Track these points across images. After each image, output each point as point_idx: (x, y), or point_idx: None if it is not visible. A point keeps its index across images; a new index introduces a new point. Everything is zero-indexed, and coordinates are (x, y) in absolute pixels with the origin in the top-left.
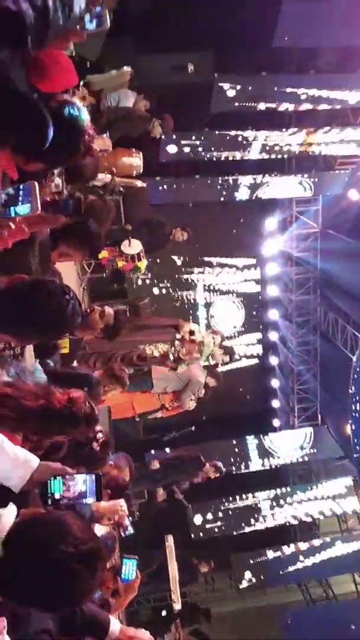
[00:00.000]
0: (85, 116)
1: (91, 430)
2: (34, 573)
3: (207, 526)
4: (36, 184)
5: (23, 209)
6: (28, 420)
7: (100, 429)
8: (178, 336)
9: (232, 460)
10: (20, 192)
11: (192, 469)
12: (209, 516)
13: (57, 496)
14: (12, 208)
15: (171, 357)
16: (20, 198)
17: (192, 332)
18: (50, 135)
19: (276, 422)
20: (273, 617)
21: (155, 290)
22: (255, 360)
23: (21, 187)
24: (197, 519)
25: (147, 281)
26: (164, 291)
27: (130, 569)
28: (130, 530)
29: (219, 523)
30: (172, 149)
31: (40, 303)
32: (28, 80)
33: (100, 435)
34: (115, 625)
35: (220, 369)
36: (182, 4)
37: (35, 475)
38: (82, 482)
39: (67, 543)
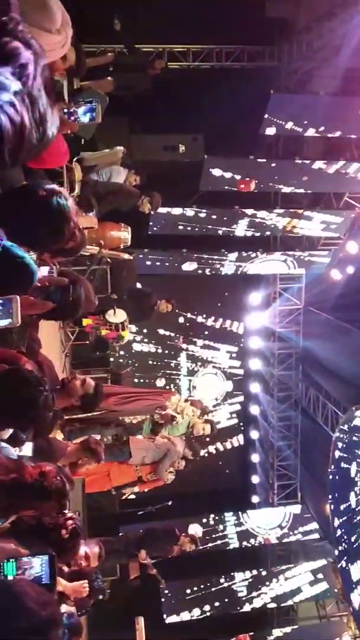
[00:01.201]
0: (71, 205)
1: (62, 508)
2: None
3: (181, 607)
4: (18, 298)
5: (3, 322)
6: None
7: (71, 515)
8: (157, 417)
9: (209, 537)
10: (1, 307)
11: (166, 543)
12: (184, 597)
13: (10, 578)
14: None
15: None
16: (7, 309)
17: (173, 418)
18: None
19: (255, 499)
20: None
21: (139, 358)
22: (236, 438)
23: (2, 300)
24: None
25: (132, 349)
26: (148, 359)
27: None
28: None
29: (193, 604)
30: (161, 225)
31: (14, 392)
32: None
33: (70, 522)
34: None
35: (200, 442)
36: (177, 90)
37: None
38: (38, 565)
39: (19, 619)
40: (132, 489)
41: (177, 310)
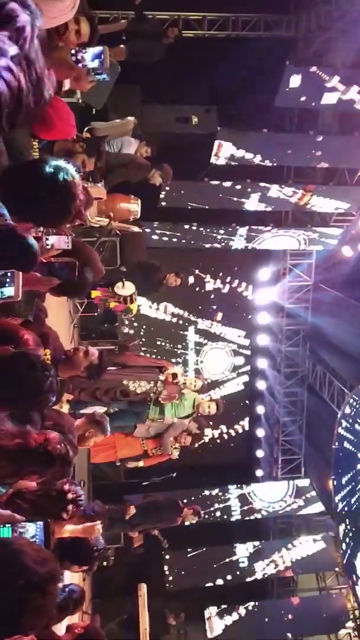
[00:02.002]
0: (78, 181)
1: (65, 476)
2: None
3: (183, 576)
4: (20, 273)
5: (8, 291)
6: (3, 459)
7: (77, 490)
8: (161, 377)
9: (212, 509)
10: (7, 277)
11: (170, 514)
12: (186, 566)
13: None
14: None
15: (152, 396)
16: (7, 281)
17: (174, 375)
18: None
19: (259, 472)
20: None
21: (146, 331)
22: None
23: (8, 273)
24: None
25: (140, 321)
26: (155, 332)
27: None
28: (103, 544)
29: (194, 574)
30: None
31: (19, 374)
32: (30, 127)
33: (71, 499)
34: None
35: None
36: (191, 60)
37: None
38: (34, 530)
39: (17, 576)
40: (136, 462)
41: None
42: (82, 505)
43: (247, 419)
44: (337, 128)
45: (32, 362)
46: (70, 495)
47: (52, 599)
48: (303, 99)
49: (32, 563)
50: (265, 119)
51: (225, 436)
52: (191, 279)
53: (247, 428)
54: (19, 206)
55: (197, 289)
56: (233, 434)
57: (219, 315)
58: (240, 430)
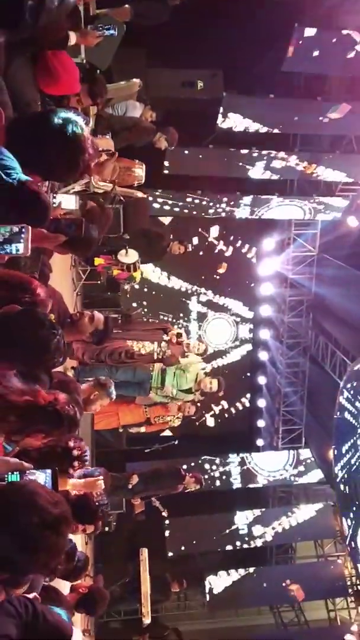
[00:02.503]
0: (87, 134)
1: (73, 432)
2: (1, 542)
3: (183, 542)
4: (30, 228)
5: (18, 247)
6: (12, 414)
7: (82, 446)
8: (166, 338)
9: (213, 477)
10: (19, 233)
11: (171, 482)
12: (186, 532)
13: None
14: (8, 245)
15: (155, 357)
16: (18, 237)
17: (179, 335)
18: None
19: (260, 442)
20: (243, 638)
21: (148, 300)
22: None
23: (20, 228)
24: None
25: (143, 290)
26: (157, 301)
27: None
28: (104, 503)
29: (194, 539)
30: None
31: (27, 332)
32: (35, 81)
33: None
34: (78, 637)
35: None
36: (198, 23)
37: None
38: (42, 479)
39: (32, 514)
40: (138, 428)
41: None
42: (87, 461)
43: (248, 389)
44: (344, 94)
45: (41, 320)
46: (75, 452)
47: (64, 540)
48: (311, 62)
49: (46, 503)
50: (271, 84)
51: (226, 405)
52: (195, 240)
53: (248, 397)
54: (27, 158)
55: (201, 252)
56: (235, 404)
57: (224, 266)
58: (242, 401)
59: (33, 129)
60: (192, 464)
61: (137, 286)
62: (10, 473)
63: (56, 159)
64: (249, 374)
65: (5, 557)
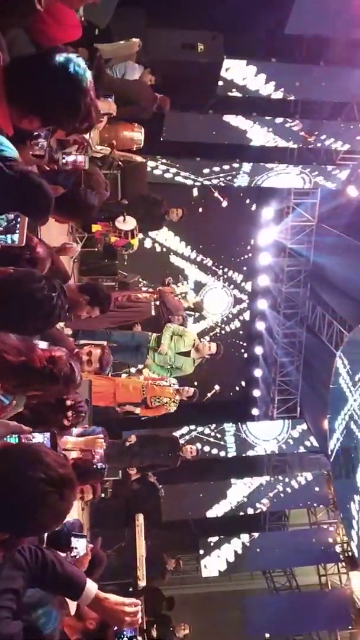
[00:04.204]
0: (89, 77)
1: (71, 392)
2: (3, 496)
3: (178, 508)
4: (26, 219)
5: (12, 238)
6: (8, 373)
7: (76, 397)
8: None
9: (209, 445)
10: (17, 223)
11: (168, 449)
12: (181, 499)
13: None
14: (4, 236)
15: (153, 305)
16: (14, 228)
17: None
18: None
19: (255, 411)
20: (236, 602)
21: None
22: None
23: (11, 216)
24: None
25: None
26: (155, 269)
27: (81, 545)
28: (102, 465)
29: (190, 506)
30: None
31: (23, 295)
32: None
33: (70, 405)
34: (92, 587)
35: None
36: None
37: None
38: (41, 440)
39: (37, 469)
40: (134, 408)
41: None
42: (82, 412)
43: (245, 359)
44: (348, 60)
45: (37, 279)
46: (69, 402)
47: (68, 503)
48: (314, 24)
49: (52, 462)
50: (273, 48)
51: (223, 375)
52: (195, 192)
53: (244, 360)
54: (26, 99)
55: (200, 209)
56: (230, 372)
57: (225, 202)
58: (238, 367)
59: (33, 68)
60: (188, 432)
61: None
62: (9, 436)
63: (56, 99)
64: (245, 343)
65: (7, 514)
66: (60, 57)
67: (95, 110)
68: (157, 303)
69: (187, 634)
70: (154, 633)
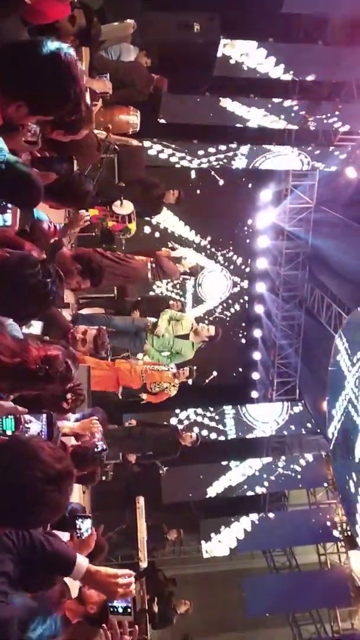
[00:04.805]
0: (79, 66)
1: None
2: (2, 496)
3: (178, 491)
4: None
5: (4, 218)
6: (2, 375)
7: (79, 383)
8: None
9: (208, 427)
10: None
11: (168, 434)
12: (181, 481)
13: (8, 433)
14: None
15: (149, 267)
16: (4, 209)
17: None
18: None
19: (254, 394)
20: (236, 581)
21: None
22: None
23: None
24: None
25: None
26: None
27: (85, 526)
28: (103, 446)
29: (190, 488)
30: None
31: (17, 280)
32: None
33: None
34: (82, 562)
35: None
36: None
37: None
38: (38, 427)
39: (34, 468)
40: (140, 395)
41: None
42: (81, 395)
43: (244, 342)
44: (347, 39)
45: (34, 271)
46: (73, 369)
47: (66, 496)
48: (312, 4)
49: (49, 458)
50: (271, 27)
51: (222, 358)
52: (193, 174)
53: (243, 344)
54: (14, 87)
55: (198, 191)
56: (230, 357)
57: (221, 181)
58: (237, 350)
59: (21, 55)
60: (187, 417)
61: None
62: (4, 417)
63: (45, 87)
64: (244, 324)
65: (7, 513)
66: (51, 45)
67: (84, 104)
68: (154, 265)
69: (188, 609)
70: (156, 609)
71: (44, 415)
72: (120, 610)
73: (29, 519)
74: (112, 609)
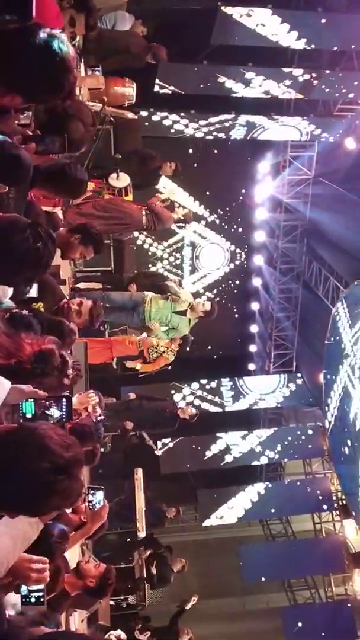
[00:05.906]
0: (73, 55)
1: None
2: (12, 487)
3: (176, 461)
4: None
5: None
6: None
7: (76, 361)
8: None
9: (205, 399)
10: None
11: (167, 407)
12: (179, 452)
13: (28, 417)
14: None
15: (144, 213)
16: None
17: (165, 201)
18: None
19: (252, 366)
20: (233, 548)
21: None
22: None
23: None
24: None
25: None
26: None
27: (97, 498)
28: (101, 418)
29: (187, 459)
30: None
31: (8, 248)
32: None
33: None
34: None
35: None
36: None
37: (8, 398)
38: (58, 413)
39: (43, 459)
40: (134, 364)
41: (181, 176)
42: (79, 369)
43: (241, 314)
44: (347, 7)
45: (24, 236)
46: (69, 360)
47: (77, 482)
48: None
49: (57, 447)
50: None
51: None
52: (190, 146)
53: (240, 316)
54: (6, 77)
55: (195, 165)
56: (227, 329)
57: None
58: (234, 323)
59: (14, 44)
60: (185, 387)
61: None
62: (24, 401)
63: (38, 78)
64: (242, 298)
65: (17, 499)
66: (43, 34)
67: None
68: (148, 212)
69: (184, 566)
70: (153, 570)
71: (65, 400)
72: (33, 600)
73: (40, 507)
74: (24, 599)
